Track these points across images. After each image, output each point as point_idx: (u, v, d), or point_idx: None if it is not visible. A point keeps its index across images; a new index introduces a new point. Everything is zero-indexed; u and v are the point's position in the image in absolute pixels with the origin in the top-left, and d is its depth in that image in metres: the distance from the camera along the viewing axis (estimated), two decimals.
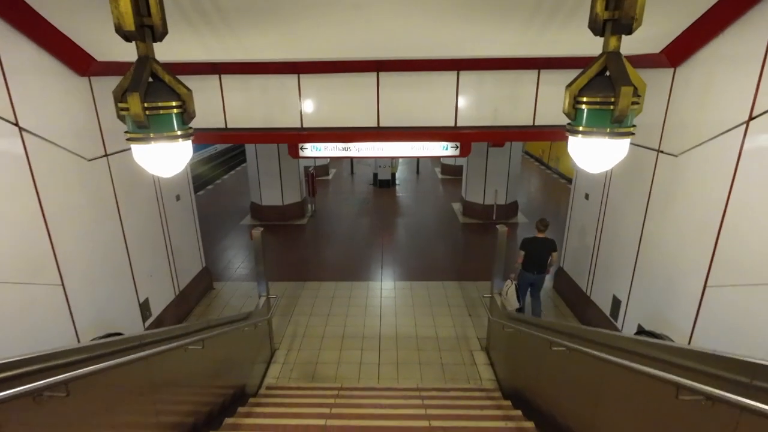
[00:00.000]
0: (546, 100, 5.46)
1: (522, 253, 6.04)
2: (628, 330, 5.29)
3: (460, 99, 5.51)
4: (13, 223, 3.58)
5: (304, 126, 5.64)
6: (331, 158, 17.38)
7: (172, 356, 3.18)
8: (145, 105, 1.98)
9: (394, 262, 8.53)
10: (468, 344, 5.93)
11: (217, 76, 5.41)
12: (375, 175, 14.36)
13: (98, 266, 4.63)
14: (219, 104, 5.59)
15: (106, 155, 4.78)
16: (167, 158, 2.26)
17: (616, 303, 5.49)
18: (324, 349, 5.83)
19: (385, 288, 7.51)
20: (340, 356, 5.67)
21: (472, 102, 5.51)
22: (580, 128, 2.05)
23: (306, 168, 11.32)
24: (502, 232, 5.14)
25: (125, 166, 5.14)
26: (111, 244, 4.87)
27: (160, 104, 2.04)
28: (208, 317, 6.66)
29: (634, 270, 5.11)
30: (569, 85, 2.11)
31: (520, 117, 5.56)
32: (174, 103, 2.09)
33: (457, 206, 12.01)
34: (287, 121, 5.63)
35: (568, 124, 2.23)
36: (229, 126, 5.67)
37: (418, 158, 16.85)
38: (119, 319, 5.00)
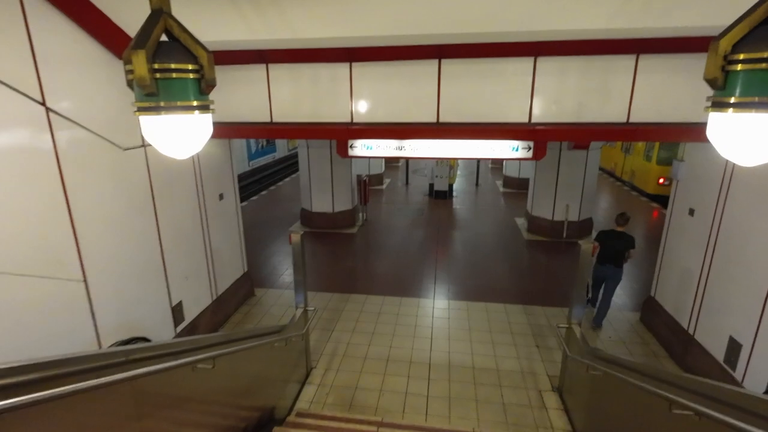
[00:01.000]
0: (645, 91, 4.49)
1: (596, 244, 5.51)
2: (753, 383, 4.10)
3: (537, 91, 4.68)
4: (33, 211, 3.27)
5: (355, 121, 5.07)
6: (386, 163, 16.87)
7: (178, 374, 2.64)
8: (155, 66, 1.56)
9: (449, 279, 7.70)
10: (536, 382, 4.96)
11: (264, 65, 5.00)
12: (431, 185, 13.62)
13: (127, 263, 4.28)
14: (264, 96, 5.18)
15: (143, 145, 4.47)
16: (181, 134, 1.79)
17: (734, 347, 4.31)
18: (365, 372, 5.12)
19: (437, 307, 6.70)
20: (383, 383, 4.93)
21: (552, 94, 4.66)
22: (733, 99, 1.40)
23: (359, 176, 10.83)
24: (586, 249, 4.20)
25: (164, 159, 4.82)
26: (143, 241, 4.53)
27: (172, 66, 1.61)
28: (243, 327, 6.22)
29: (764, 306, 3.95)
30: (718, 39, 1.39)
31: (611, 113, 4.62)
32: (190, 67, 1.65)
33: (521, 221, 10.93)
34: (336, 115, 5.09)
35: (713, 95, 1.50)
36: (274, 120, 5.23)
37: (480, 160, 15.90)
38: (148, 323, 4.63)
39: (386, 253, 9.08)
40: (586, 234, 9.81)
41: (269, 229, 10.64)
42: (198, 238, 5.60)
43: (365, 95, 4.99)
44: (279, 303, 6.83)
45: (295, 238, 4.62)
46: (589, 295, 5.80)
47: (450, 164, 13.15)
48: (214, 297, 6.05)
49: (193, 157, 5.38)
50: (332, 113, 5.09)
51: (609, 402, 3.66)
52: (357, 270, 8.27)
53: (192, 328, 5.46)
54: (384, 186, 15.37)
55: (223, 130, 5.38)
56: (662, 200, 11.63)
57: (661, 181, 12.48)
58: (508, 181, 14.81)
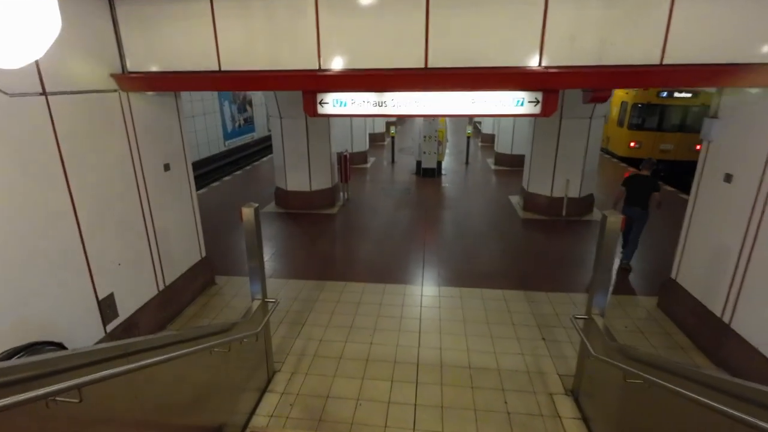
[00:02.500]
0: (684, 24, 3.59)
1: (623, 189, 6.39)
2: None
3: (549, 26, 3.74)
4: None
5: (323, 68, 4.07)
6: (371, 141, 15.56)
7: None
8: None
9: (438, 263, 6.82)
10: (544, 383, 4.13)
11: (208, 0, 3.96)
12: (418, 163, 12.67)
13: (24, 246, 3.27)
14: (210, 37, 4.14)
15: (44, 93, 3.42)
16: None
17: None
18: (340, 376, 4.23)
19: (426, 294, 5.82)
20: (360, 389, 4.05)
21: (568, 29, 3.73)
22: None
23: (339, 153, 9.81)
24: (614, 222, 3.31)
25: (79, 113, 3.78)
26: (48, 217, 3.51)
27: None
28: (197, 322, 5.26)
29: None
30: None
31: (640, 53, 3.71)
32: None
33: (515, 199, 10.08)
34: (300, 60, 4.09)
35: None
36: (223, 68, 4.20)
37: (472, 117, 14.93)
38: (63, 321, 3.65)
39: (369, 236, 8.15)
40: (587, 212, 9.00)
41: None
42: (135, 217, 4.58)
43: (336, 34, 3.99)
44: (243, 293, 5.88)
45: (247, 213, 3.65)
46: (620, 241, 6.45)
47: (438, 140, 12.20)
48: (161, 287, 5.07)
49: (123, 113, 4.33)
50: (295, 58, 4.09)
51: (649, 414, 2.83)
52: (335, 254, 7.34)
53: (129, 326, 4.49)
54: (368, 164, 14.36)
55: (158, 81, 4.33)
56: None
57: (632, 144, 13.59)
58: (500, 159, 13.93)
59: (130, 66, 4.30)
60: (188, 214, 5.65)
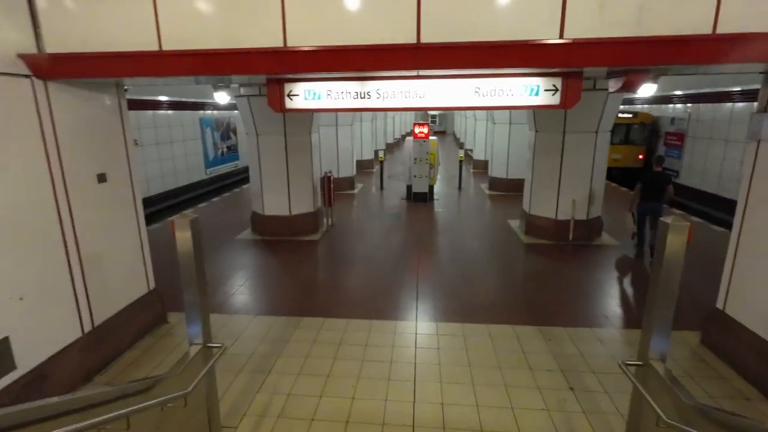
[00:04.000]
0: None
1: (639, 186, 6.95)
2: None
3: None
4: None
5: (290, 45, 3.25)
6: (358, 167, 14.74)
7: None
8: None
9: (435, 295, 5.84)
10: None
11: None
12: (409, 188, 11.86)
13: None
14: (148, 9, 3.32)
15: None
16: None
17: None
18: None
19: (422, 332, 4.81)
20: None
21: None
22: None
23: (322, 176, 8.95)
24: (679, 231, 2.42)
25: None
26: None
27: None
28: (132, 373, 4.15)
29: None
30: None
31: (687, 20, 2.96)
32: None
33: (515, 224, 9.23)
34: (262, 36, 3.27)
35: None
36: (164, 46, 3.36)
37: (477, 110, 14.20)
38: None
39: (355, 264, 7.17)
40: (596, 236, 8.16)
41: (212, 238, 8.61)
42: (49, 239, 3.59)
43: (305, 3, 3.19)
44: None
45: (182, 227, 2.69)
46: (636, 231, 7.28)
47: (430, 162, 11.46)
48: (88, 327, 4.00)
49: (37, 106, 3.42)
50: (255, 34, 3.26)
51: None
52: (315, 285, 6.32)
53: (36, 379, 3.41)
54: (356, 190, 13.51)
55: (84, 64, 3.45)
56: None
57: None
58: (494, 184, 13.19)
59: (49, 44, 3.43)
60: (131, 237, 4.65)
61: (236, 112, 18.46)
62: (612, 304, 5.55)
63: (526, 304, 5.54)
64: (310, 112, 8.09)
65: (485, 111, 16.21)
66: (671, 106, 15.53)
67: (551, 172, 7.87)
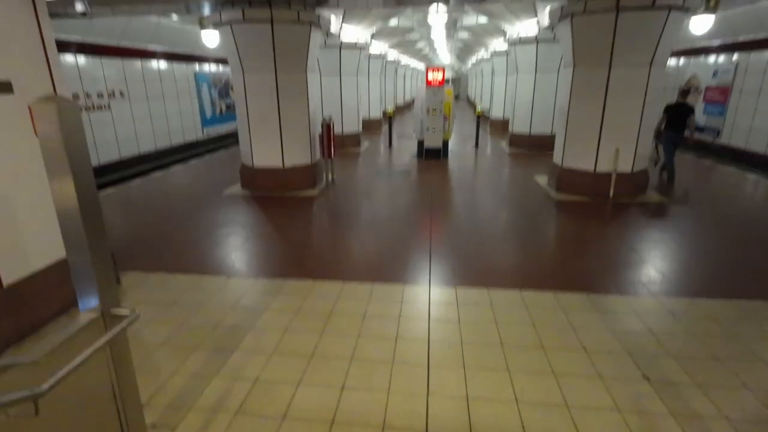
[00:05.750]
0: None
1: (664, 116, 7.52)
2: None
3: None
4: None
5: None
6: (363, 124, 13.31)
7: None
8: None
9: (452, 255, 4.77)
10: None
11: None
12: (420, 143, 10.62)
13: None
14: None
15: None
16: None
17: None
18: None
19: (437, 300, 3.76)
20: None
21: None
22: None
23: (323, 121, 7.78)
24: None
25: None
26: None
27: None
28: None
29: None
30: None
31: None
32: None
33: (543, 180, 8.03)
34: None
35: None
36: None
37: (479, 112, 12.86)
38: None
39: (356, 223, 6.10)
40: (641, 191, 6.95)
41: (192, 195, 7.61)
42: None
43: None
44: (162, 295, 3.83)
45: (44, 116, 1.59)
46: (660, 159, 8.08)
47: (445, 114, 10.17)
48: None
49: None
50: None
51: None
52: (307, 244, 5.28)
53: None
54: (361, 149, 12.32)
55: None
56: None
57: None
58: (516, 140, 11.88)
59: None
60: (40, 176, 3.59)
61: None
62: (679, 270, 4.42)
63: (565, 268, 4.44)
64: (306, 43, 6.85)
65: (507, 62, 14.69)
66: (712, 58, 13.84)
67: (591, 115, 6.60)
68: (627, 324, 3.35)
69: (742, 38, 12.32)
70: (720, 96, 13.42)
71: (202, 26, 8.71)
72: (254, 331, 3.31)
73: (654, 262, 4.55)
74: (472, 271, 4.35)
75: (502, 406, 2.51)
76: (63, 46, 9.29)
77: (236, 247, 5.10)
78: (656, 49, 6.03)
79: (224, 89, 18.40)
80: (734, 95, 12.69)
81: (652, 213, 6.21)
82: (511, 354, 2.98)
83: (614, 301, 3.69)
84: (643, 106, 6.38)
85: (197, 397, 2.60)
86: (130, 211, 6.61)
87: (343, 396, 2.60)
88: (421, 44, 21.94)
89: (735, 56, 12.75)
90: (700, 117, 13.76)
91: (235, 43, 6.65)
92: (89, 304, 1.87)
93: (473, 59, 24.95)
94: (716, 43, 13.10)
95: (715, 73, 13.84)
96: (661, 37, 5.96)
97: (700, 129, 13.25)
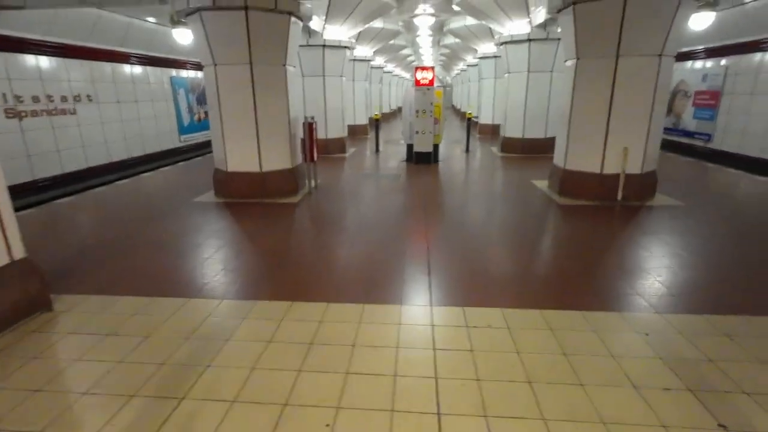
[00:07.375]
0: None
1: None
2: None
3: None
4: None
5: None
6: (348, 130, 12.46)
7: None
8: None
9: (454, 269, 4.12)
10: None
11: None
12: (409, 147, 10.03)
13: None
14: None
15: None
16: None
17: None
18: None
19: (441, 323, 3.08)
20: None
21: None
22: None
23: (305, 120, 7.10)
24: None
25: None
26: None
27: None
28: None
29: None
30: None
31: None
32: None
33: (543, 184, 7.49)
34: None
35: None
36: None
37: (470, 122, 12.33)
38: None
39: (342, 232, 5.41)
40: (649, 195, 6.43)
41: (159, 201, 6.84)
42: None
43: None
44: (99, 324, 3.08)
45: None
46: None
47: (435, 116, 9.60)
48: None
49: None
50: None
51: None
52: (285, 257, 4.56)
53: None
54: (347, 154, 11.66)
55: None
56: None
57: None
58: (508, 145, 11.37)
59: None
60: None
61: None
62: (716, 280, 3.84)
63: (588, 282, 3.82)
64: (285, 33, 6.20)
65: (495, 65, 14.31)
66: (700, 63, 13.64)
67: (597, 111, 6.07)
68: (677, 348, 2.72)
69: (730, 41, 12.13)
70: (710, 100, 13.20)
71: (174, 23, 8.02)
72: (212, 369, 2.58)
73: (691, 274, 3.96)
74: (481, 287, 3.70)
75: None
76: (21, 44, 8.47)
77: (200, 262, 4.35)
78: (667, 37, 5.55)
79: (203, 95, 17.61)
80: (725, 99, 12.46)
81: (667, 217, 5.67)
82: (543, 394, 2.32)
83: (653, 320, 3.08)
84: (654, 100, 5.88)
85: None
86: (79, 223, 5.80)
87: None
88: (406, 50, 21.55)
89: (723, 61, 12.55)
90: (689, 122, 13.56)
91: (205, 32, 5.96)
92: None
93: (459, 67, 24.67)
94: (710, 45, 12.90)
95: (704, 77, 13.65)
96: (672, 24, 5.48)
97: (690, 134, 13.05)
